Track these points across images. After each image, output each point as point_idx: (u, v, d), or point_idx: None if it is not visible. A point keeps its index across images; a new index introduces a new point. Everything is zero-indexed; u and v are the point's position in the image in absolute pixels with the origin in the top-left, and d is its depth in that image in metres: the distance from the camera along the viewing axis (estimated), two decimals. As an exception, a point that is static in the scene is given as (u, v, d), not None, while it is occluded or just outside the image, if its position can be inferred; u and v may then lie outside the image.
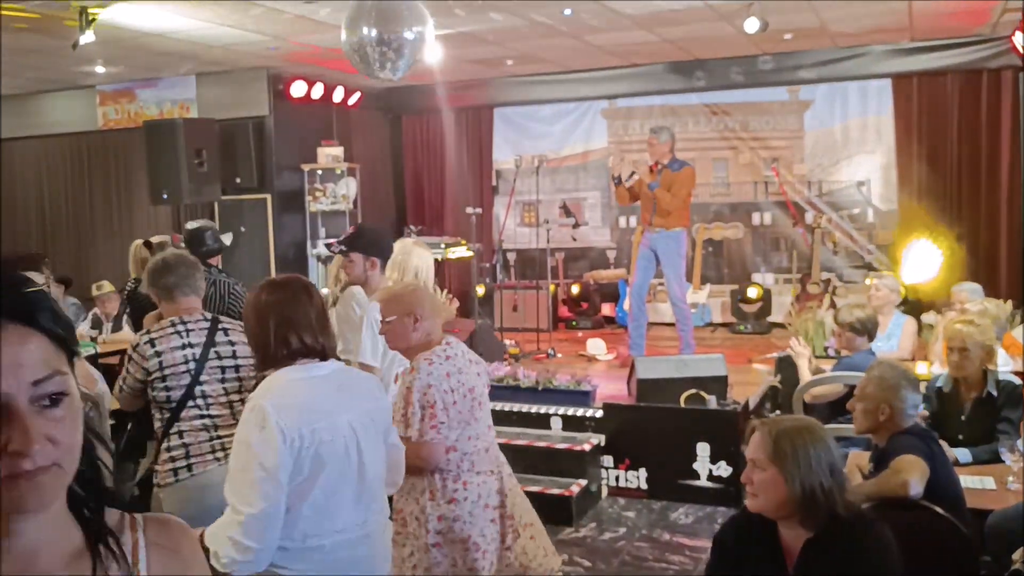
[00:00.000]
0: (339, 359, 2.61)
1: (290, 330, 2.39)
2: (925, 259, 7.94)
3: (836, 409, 4.69)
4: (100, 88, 9.82)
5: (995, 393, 3.96)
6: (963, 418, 4.00)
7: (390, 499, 2.81)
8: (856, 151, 9.52)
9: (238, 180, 9.07)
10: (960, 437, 3.90)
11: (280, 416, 2.23)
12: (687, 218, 7.45)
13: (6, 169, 10.72)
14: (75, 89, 9.89)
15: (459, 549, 2.90)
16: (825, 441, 2.33)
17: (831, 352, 6.29)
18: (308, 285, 2.53)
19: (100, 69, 8.90)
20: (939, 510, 2.83)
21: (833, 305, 8.12)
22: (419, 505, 2.90)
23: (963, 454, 3.79)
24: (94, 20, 6.46)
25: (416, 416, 2.83)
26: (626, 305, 9.26)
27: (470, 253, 8.60)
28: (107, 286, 7.30)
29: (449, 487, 2.89)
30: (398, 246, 4.24)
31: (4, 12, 6.30)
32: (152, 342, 3.23)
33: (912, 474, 2.89)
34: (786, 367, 6.53)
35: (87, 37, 6.51)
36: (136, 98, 9.71)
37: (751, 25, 7.09)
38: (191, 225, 5.28)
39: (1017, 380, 4.08)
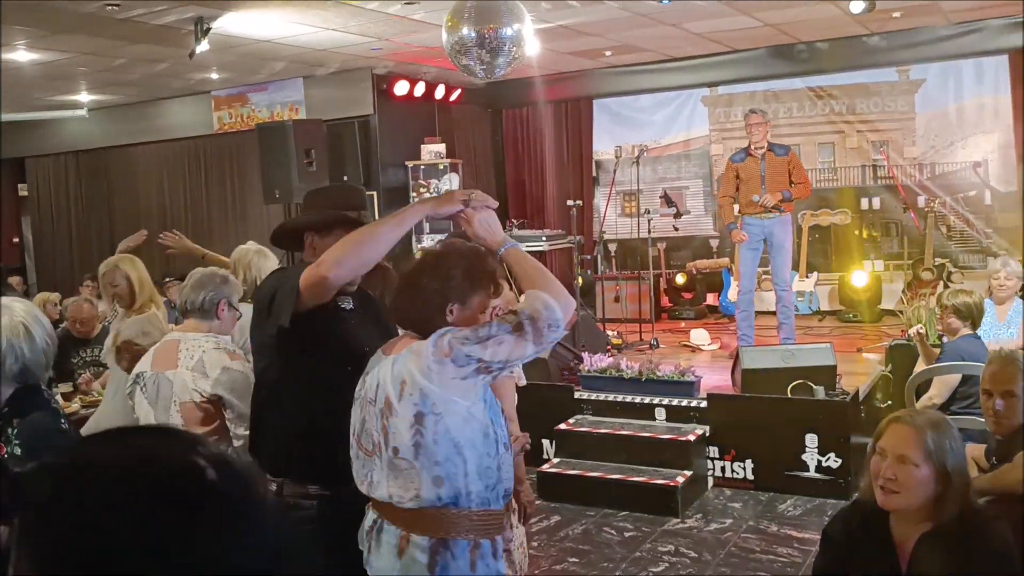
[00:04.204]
0: None
1: None
2: None
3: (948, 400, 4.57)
4: (215, 94, 10.26)
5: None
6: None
7: None
8: (972, 131, 9.15)
9: (345, 178, 9.33)
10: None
11: None
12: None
13: (130, 173, 11.33)
14: (191, 95, 10.36)
15: None
16: (958, 435, 2.32)
17: (945, 340, 6.09)
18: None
19: (214, 75, 9.31)
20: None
21: (948, 291, 7.85)
22: None
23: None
24: (209, 30, 6.78)
25: None
26: (731, 295, 9.16)
27: (570, 245, 8.65)
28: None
29: None
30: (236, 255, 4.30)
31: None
32: None
33: (1033, 469, 2.80)
34: (897, 356, 6.38)
35: (203, 46, 6.85)
36: (248, 102, 10.11)
37: (857, 6, 6.91)
38: None
39: None
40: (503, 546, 2.25)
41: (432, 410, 2.11)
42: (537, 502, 5.70)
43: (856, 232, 9.70)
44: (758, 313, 7.76)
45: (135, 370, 3.26)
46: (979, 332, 4.85)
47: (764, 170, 7.09)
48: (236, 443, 3.07)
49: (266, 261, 4.24)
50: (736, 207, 7.31)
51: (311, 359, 2.48)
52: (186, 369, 3.11)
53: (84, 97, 10.24)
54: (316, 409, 2.51)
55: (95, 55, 7.94)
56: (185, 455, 0.80)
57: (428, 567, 2.13)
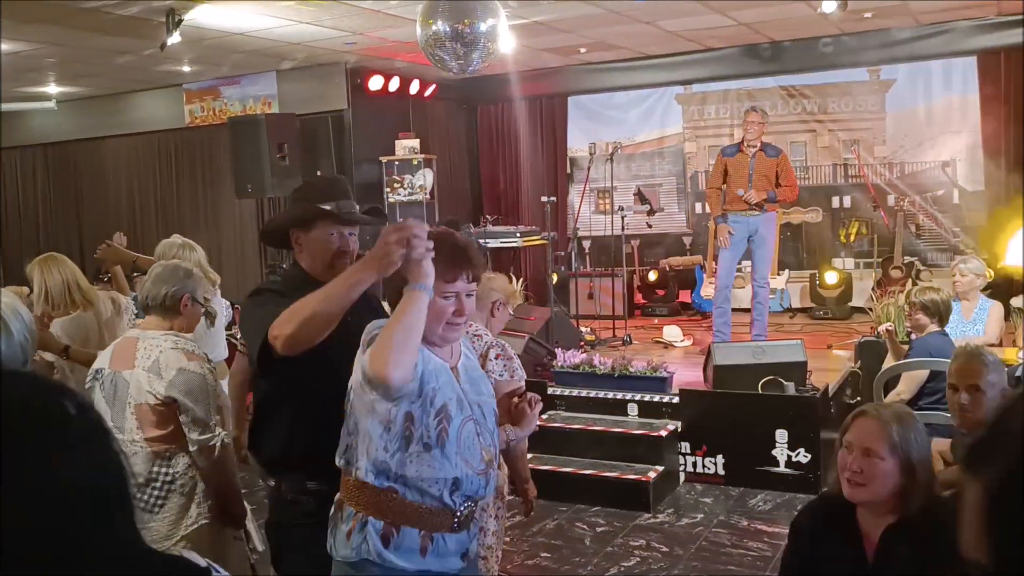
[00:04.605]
0: None
1: None
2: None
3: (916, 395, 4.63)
4: (186, 87, 10.16)
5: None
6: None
7: None
8: (940, 131, 9.27)
9: (319, 173, 9.28)
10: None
11: None
12: None
13: (99, 166, 11.19)
14: (163, 88, 10.25)
15: None
16: (923, 429, 2.34)
17: (913, 337, 6.17)
18: None
19: (186, 68, 9.22)
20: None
21: (917, 290, 7.94)
22: None
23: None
24: (181, 21, 6.71)
25: None
26: (705, 292, 9.21)
27: (544, 242, 8.66)
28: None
29: None
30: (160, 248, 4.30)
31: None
32: None
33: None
34: (867, 353, 6.45)
35: (174, 38, 6.77)
36: (220, 95, 10.02)
37: (829, 6, 6.97)
38: None
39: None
40: (421, 544, 2.22)
41: (353, 386, 2.26)
42: (509, 497, 5.71)
43: (827, 230, 9.79)
44: (731, 310, 7.81)
45: (94, 365, 3.15)
46: (946, 329, 4.92)
47: (752, 167, 7.14)
48: (192, 448, 2.94)
49: (192, 254, 4.28)
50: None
51: (301, 367, 2.42)
52: (142, 369, 2.96)
53: (52, 89, 10.10)
54: (310, 411, 2.52)
55: (64, 46, 7.84)
56: (51, 394, 1.01)
57: (329, 519, 2.32)
